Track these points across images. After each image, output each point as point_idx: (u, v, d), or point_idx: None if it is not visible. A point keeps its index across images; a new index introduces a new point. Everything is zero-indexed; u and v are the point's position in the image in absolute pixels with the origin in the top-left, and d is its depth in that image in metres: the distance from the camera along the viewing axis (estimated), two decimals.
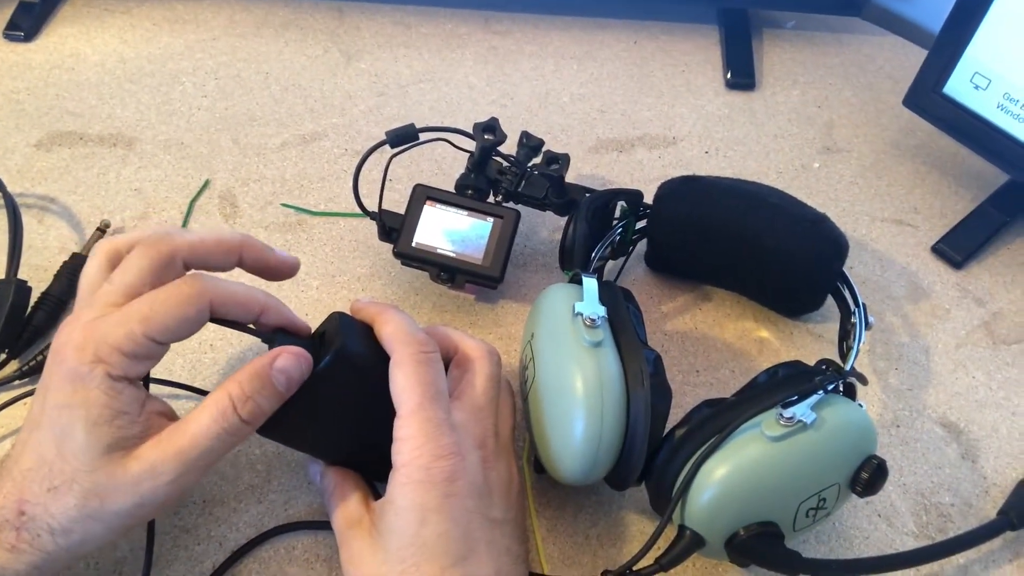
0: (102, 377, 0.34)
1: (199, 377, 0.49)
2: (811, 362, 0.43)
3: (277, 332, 0.39)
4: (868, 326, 0.46)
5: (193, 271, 0.38)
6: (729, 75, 0.70)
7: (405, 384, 0.37)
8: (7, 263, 0.50)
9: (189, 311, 0.35)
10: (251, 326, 0.39)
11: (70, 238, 0.55)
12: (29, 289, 0.51)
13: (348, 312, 0.42)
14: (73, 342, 0.34)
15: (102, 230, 0.54)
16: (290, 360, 0.36)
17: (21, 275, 0.50)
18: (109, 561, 0.42)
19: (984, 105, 0.56)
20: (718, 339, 0.53)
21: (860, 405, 0.41)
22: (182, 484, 0.35)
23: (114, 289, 0.36)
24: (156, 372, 0.48)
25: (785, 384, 0.40)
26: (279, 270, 0.42)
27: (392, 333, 0.39)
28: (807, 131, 0.67)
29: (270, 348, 0.38)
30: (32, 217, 0.56)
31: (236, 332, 0.38)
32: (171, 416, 0.37)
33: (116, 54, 0.68)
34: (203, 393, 0.48)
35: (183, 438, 0.35)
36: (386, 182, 0.51)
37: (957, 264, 0.58)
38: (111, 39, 0.69)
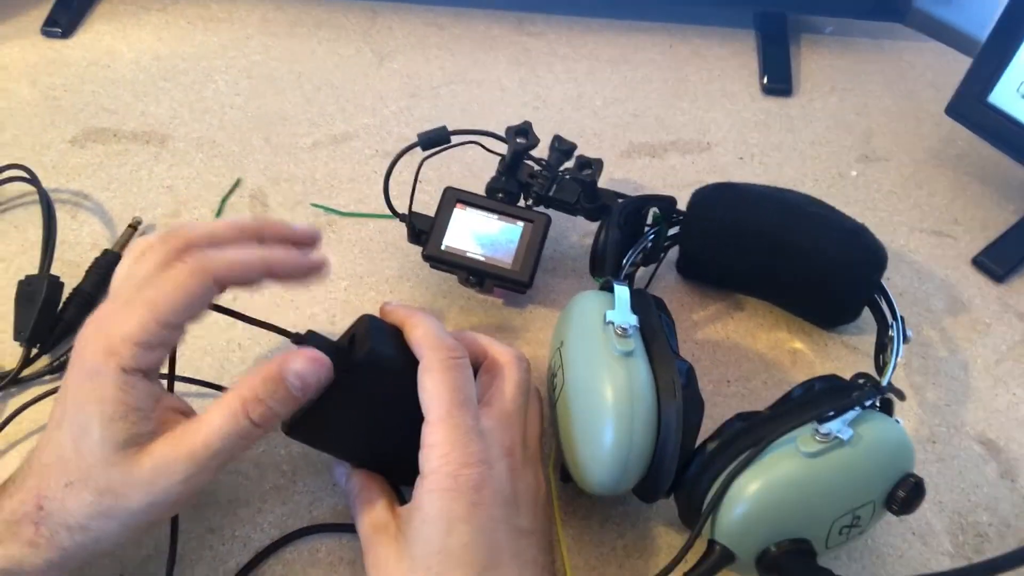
0: (116, 371, 0.34)
1: (227, 376, 0.49)
2: (846, 376, 0.42)
3: (309, 333, 0.38)
4: (906, 340, 0.45)
5: (183, 242, 0.37)
6: (765, 80, 0.69)
7: (434, 390, 0.37)
8: (40, 258, 0.51)
9: (193, 286, 0.35)
10: (281, 327, 0.38)
11: (102, 234, 0.56)
12: (61, 284, 0.51)
13: (377, 315, 0.42)
14: (88, 338, 0.35)
15: (134, 227, 0.55)
16: (306, 365, 0.36)
17: (54, 270, 0.51)
18: (134, 559, 0.42)
19: None
20: (751, 349, 0.52)
21: (897, 421, 0.40)
22: (194, 484, 0.35)
23: (130, 283, 0.36)
24: (184, 370, 0.49)
25: (821, 399, 0.39)
26: (303, 238, 0.41)
27: (421, 337, 0.39)
28: (845, 139, 0.65)
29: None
30: (66, 213, 0.57)
31: (264, 331, 0.38)
32: (187, 412, 0.37)
33: (151, 51, 0.68)
34: None
35: (195, 438, 0.34)
36: (417, 184, 0.50)
37: (999, 278, 0.57)
38: (147, 36, 0.70)
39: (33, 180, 0.54)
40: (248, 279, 0.37)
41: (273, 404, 0.35)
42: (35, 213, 0.55)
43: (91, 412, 0.34)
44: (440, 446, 0.36)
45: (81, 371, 0.34)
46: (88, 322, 0.36)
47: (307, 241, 0.42)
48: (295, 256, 0.39)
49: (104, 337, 0.34)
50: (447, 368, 0.38)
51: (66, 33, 0.69)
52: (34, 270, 0.51)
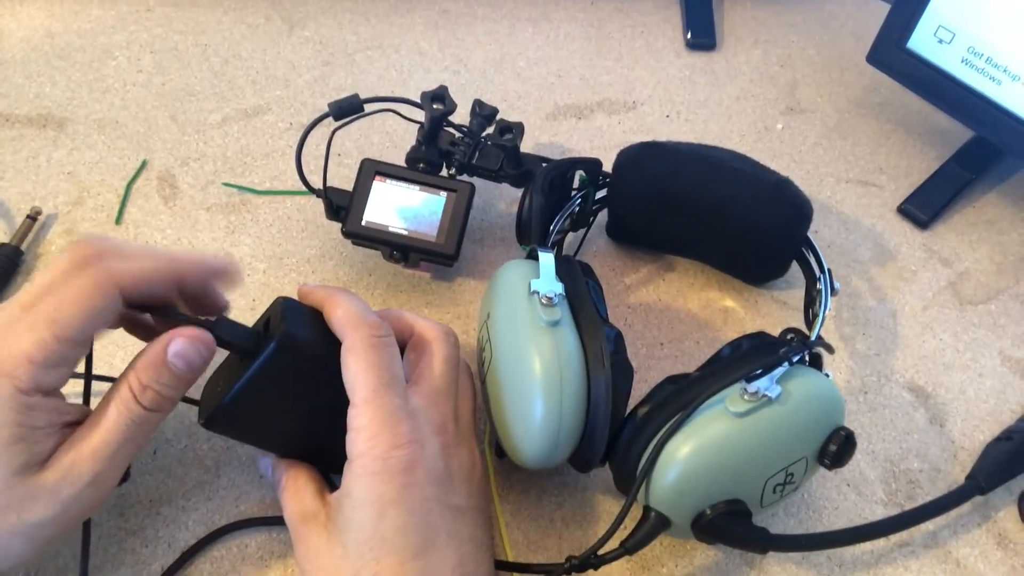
0: (11, 393, 0.31)
1: None
2: (777, 331, 0.42)
3: (219, 320, 0.37)
4: (834, 292, 0.45)
5: (93, 251, 0.34)
6: (689, 35, 0.68)
7: (357, 370, 0.36)
8: None
9: (96, 301, 0.33)
10: (193, 315, 0.37)
11: None
12: None
13: (295, 297, 0.40)
14: None
15: (33, 217, 0.51)
16: (184, 344, 0.34)
17: None
18: (51, 569, 0.40)
19: (948, 60, 0.54)
20: (682, 310, 0.52)
21: (827, 375, 0.40)
22: (103, 483, 0.33)
23: (31, 291, 0.33)
24: (96, 367, 0.46)
25: (749, 357, 0.39)
26: (220, 269, 0.39)
27: (342, 317, 0.37)
28: (770, 91, 0.65)
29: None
30: None
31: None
32: None
33: (43, 28, 0.64)
34: None
35: (94, 437, 0.33)
36: (332, 157, 0.48)
37: (923, 224, 0.57)
38: (37, 12, 0.65)
39: None
40: (158, 291, 0.35)
41: (161, 388, 0.34)
42: None
43: None
44: (367, 428, 0.35)
45: None
46: None
47: (226, 275, 0.40)
48: (203, 266, 0.37)
49: None
50: (371, 347, 0.36)
51: None
52: None
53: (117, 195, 0.54)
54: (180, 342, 0.34)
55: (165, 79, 0.61)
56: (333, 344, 0.37)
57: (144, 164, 0.56)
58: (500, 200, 0.56)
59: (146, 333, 0.41)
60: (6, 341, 0.32)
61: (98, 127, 0.58)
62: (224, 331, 0.36)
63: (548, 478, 0.44)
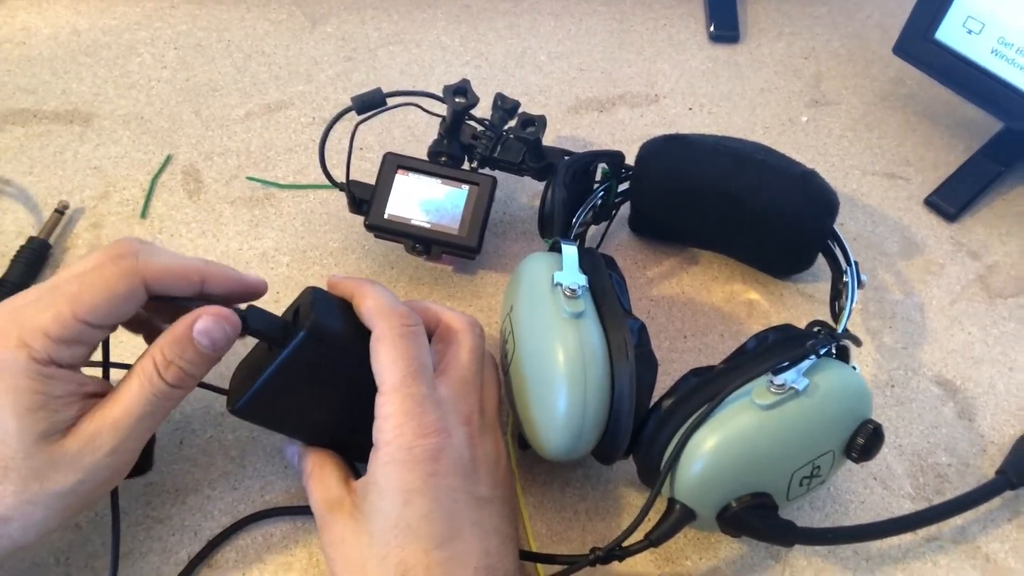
0: (27, 362, 0.32)
1: None
2: (802, 324, 0.42)
3: (250, 308, 0.37)
4: (860, 285, 0.45)
5: (127, 248, 0.36)
6: (712, 28, 0.67)
7: (387, 359, 0.36)
8: None
9: (119, 288, 0.34)
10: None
11: (27, 221, 0.53)
12: None
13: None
14: (1, 326, 0.33)
15: (60, 211, 0.52)
16: (209, 322, 0.35)
17: None
18: (81, 556, 0.40)
19: (977, 51, 0.54)
20: (706, 303, 0.52)
21: (854, 368, 0.40)
22: (122, 455, 0.34)
23: (63, 274, 0.34)
24: (121, 356, 0.46)
25: (775, 349, 0.39)
26: (250, 287, 0.40)
27: (372, 307, 0.38)
28: (794, 84, 0.64)
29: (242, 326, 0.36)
30: None
31: None
32: None
33: (69, 26, 0.65)
34: None
35: (116, 407, 0.34)
36: (355, 151, 0.49)
37: (951, 217, 0.56)
38: (64, 10, 0.66)
39: None
40: (181, 288, 0.36)
41: (185, 365, 0.35)
42: None
43: (3, 404, 0.32)
44: (394, 417, 0.35)
45: None
46: (3, 305, 0.34)
47: (254, 291, 0.41)
48: (233, 273, 0.39)
49: (16, 327, 0.33)
50: (400, 336, 0.37)
51: None
52: None
53: (142, 189, 0.55)
54: (206, 320, 0.35)
55: (189, 75, 0.62)
56: (361, 334, 0.37)
57: (169, 159, 0.57)
58: (522, 193, 0.56)
59: None
60: (27, 313, 0.33)
61: (123, 122, 0.59)
62: (254, 320, 0.36)
63: (571, 470, 0.44)
